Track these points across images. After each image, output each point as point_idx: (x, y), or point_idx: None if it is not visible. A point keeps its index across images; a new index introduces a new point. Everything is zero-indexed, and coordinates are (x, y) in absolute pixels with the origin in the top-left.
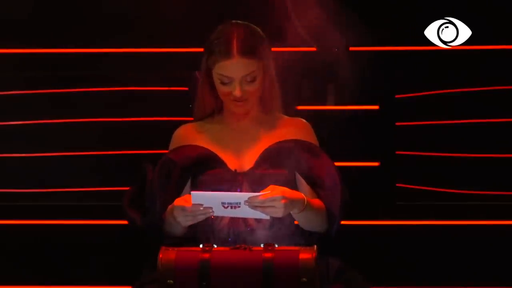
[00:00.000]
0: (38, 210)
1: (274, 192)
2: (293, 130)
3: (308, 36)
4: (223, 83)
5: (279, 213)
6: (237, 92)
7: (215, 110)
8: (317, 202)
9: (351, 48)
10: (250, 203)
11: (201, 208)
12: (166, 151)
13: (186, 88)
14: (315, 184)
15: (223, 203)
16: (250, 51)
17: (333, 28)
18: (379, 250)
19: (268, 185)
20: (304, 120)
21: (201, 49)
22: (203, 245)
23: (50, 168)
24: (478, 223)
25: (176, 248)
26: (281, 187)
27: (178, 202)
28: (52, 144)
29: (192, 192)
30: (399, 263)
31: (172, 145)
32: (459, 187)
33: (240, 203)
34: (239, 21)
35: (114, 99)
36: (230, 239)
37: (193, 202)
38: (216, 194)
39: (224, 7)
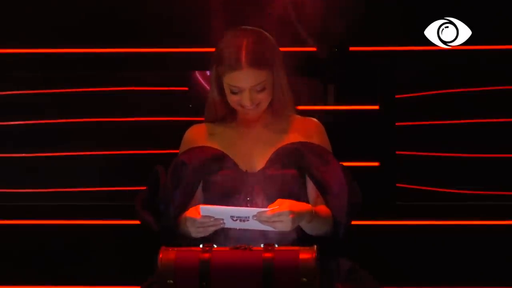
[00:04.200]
0: (38, 210)
1: (281, 207)
2: (304, 131)
3: (308, 36)
4: (233, 92)
5: (287, 227)
6: (246, 102)
7: (227, 114)
8: (323, 209)
9: (351, 48)
10: (258, 218)
11: (212, 220)
12: (166, 151)
13: (186, 88)
14: (322, 188)
15: (232, 217)
16: (259, 61)
17: (333, 28)
18: (379, 250)
19: (279, 186)
20: (316, 120)
21: (201, 49)
22: (203, 245)
23: (50, 168)
24: (478, 223)
25: (176, 248)
26: (288, 200)
27: (190, 213)
28: (52, 144)
29: (201, 206)
30: (399, 263)
31: (183, 146)
32: (458, 187)
33: (249, 217)
34: (248, 28)
35: (114, 99)
36: (239, 238)
37: (202, 215)
38: (225, 208)
39: (225, 7)
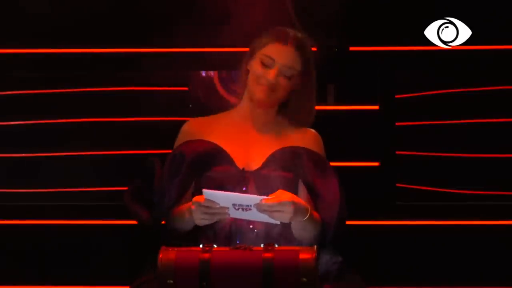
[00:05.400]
0: (38, 210)
1: (283, 197)
2: (303, 138)
3: (308, 36)
4: (263, 65)
5: (286, 218)
6: (271, 76)
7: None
8: (316, 214)
9: (351, 48)
10: (260, 207)
11: (217, 207)
12: (166, 151)
13: (186, 88)
14: (316, 196)
15: (234, 205)
16: (302, 48)
17: (333, 28)
18: (379, 250)
19: (274, 186)
20: (315, 132)
21: (202, 49)
22: (203, 245)
23: (50, 168)
24: (478, 223)
25: (176, 248)
26: (290, 193)
27: (196, 198)
28: (52, 144)
29: (204, 190)
30: (399, 263)
31: (181, 139)
32: (458, 187)
33: (251, 205)
34: None
35: (114, 99)
36: (237, 242)
37: (205, 198)
38: (228, 194)
39: (225, 7)
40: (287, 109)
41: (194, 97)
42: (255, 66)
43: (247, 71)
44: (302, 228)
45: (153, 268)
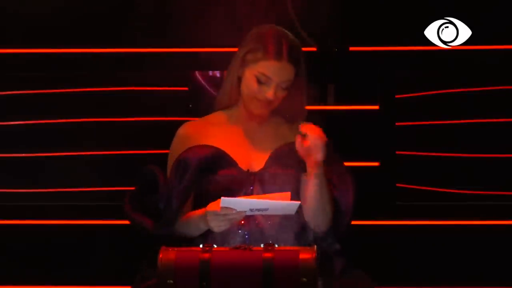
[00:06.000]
0: (38, 210)
1: (316, 134)
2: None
3: (308, 36)
4: (259, 82)
5: (318, 149)
6: (270, 95)
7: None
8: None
9: (351, 48)
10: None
11: (234, 212)
12: (166, 151)
13: (186, 88)
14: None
15: (251, 209)
16: (297, 60)
17: (333, 28)
18: (379, 250)
19: (279, 185)
20: None
21: (201, 49)
22: (203, 245)
23: (50, 168)
24: (478, 223)
25: (176, 248)
26: (318, 127)
27: (210, 207)
28: (52, 144)
29: (223, 198)
30: (399, 263)
31: (179, 143)
32: (458, 187)
33: (268, 208)
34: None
35: (114, 99)
36: (247, 242)
37: (222, 206)
38: (245, 200)
39: (225, 7)
40: (280, 107)
41: (194, 97)
42: (250, 82)
43: (239, 78)
44: (319, 193)
45: (152, 268)
